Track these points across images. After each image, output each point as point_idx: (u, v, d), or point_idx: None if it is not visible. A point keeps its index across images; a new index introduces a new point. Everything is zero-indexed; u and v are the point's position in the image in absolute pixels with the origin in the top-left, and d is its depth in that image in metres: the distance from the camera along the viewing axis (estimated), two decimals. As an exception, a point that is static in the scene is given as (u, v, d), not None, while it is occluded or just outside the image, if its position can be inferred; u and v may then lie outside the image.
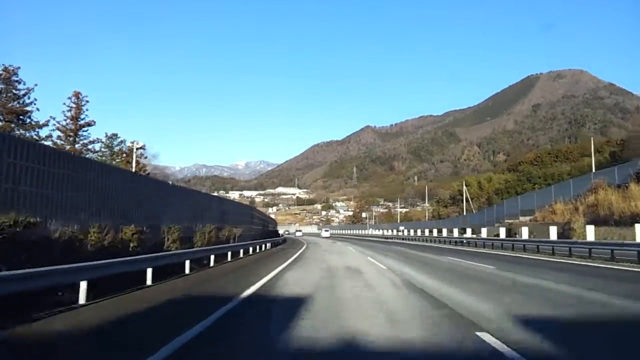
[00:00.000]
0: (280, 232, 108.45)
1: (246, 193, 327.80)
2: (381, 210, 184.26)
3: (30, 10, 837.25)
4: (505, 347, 5.57)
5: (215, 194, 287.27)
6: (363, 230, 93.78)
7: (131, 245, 14.35)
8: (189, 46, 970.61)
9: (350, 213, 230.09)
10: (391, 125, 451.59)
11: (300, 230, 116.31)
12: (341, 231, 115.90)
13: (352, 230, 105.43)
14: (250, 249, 30.65)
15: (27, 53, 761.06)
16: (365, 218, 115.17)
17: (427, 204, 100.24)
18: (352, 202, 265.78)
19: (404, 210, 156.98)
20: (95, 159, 33.48)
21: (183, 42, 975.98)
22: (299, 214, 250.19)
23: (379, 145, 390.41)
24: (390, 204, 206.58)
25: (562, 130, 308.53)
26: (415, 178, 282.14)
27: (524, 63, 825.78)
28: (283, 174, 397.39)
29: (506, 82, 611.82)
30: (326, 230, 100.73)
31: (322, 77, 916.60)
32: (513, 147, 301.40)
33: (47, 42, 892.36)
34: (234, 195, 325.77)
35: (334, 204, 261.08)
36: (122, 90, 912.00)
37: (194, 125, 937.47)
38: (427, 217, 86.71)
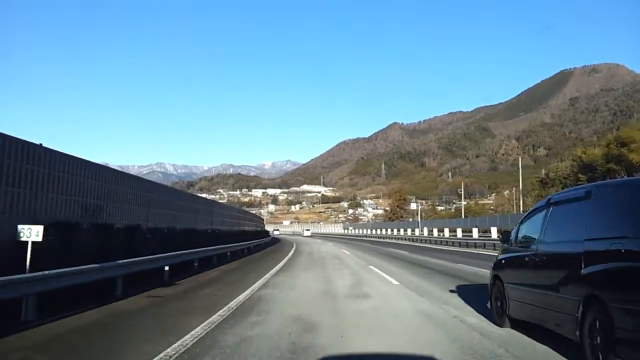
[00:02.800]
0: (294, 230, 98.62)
1: (270, 191, 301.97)
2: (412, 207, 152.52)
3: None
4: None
5: (237, 192, 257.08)
6: (407, 230, 61.10)
7: None
8: (217, 50, 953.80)
9: (380, 211, 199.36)
10: (419, 121, 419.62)
11: (277, 230, 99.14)
12: (374, 231, 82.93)
13: (390, 230, 71.29)
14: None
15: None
16: (411, 214, 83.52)
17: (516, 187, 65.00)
18: (380, 200, 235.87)
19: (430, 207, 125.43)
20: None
21: (209, 45, 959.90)
22: (324, 212, 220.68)
23: (407, 142, 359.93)
24: (423, 201, 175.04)
25: (607, 122, 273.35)
26: (449, 174, 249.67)
27: (556, 58, 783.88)
28: (308, 172, 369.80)
29: (538, 78, 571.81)
30: (307, 230, 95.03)
31: (348, 76, 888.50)
32: (554, 141, 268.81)
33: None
34: (257, 193, 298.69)
35: (361, 202, 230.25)
36: (151, 92, 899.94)
37: (222, 126, 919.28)
38: (520, 207, 54.48)
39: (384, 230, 75.76)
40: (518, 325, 6.58)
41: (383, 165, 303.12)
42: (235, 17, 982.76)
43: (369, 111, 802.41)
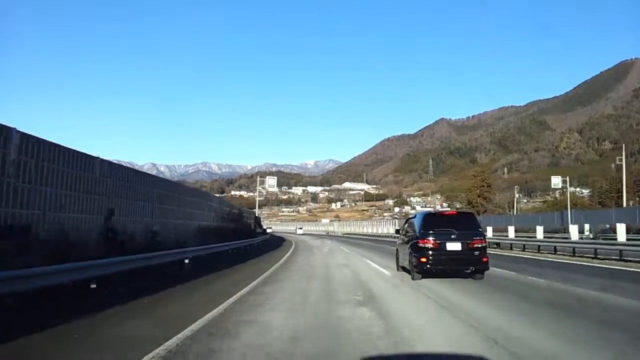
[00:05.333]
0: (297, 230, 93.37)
1: (310, 189, 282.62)
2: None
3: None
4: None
5: (277, 189, 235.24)
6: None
7: None
8: (263, 51, 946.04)
9: (430, 209, 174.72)
10: (468, 117, 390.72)
11: (270, 227, 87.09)
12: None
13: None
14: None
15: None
16: (499, 206, 60.37)
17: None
18: (429, 197, 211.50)
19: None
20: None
21: (254, 50, 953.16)
22: (367, 210, 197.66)
23: (455, 138, 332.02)
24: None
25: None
26: (505, 170, 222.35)
27: (614, 49, 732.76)
28: (350, 170, 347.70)
29: (595, 70, 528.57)
30: (300, 228, 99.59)
31: (391, 73, 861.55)
32: (620, 133, 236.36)
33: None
34: (297, 190, 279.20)
35: (408, 199, 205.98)
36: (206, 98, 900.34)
37: (265, 127, 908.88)
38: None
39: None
40: (404, 270, 13.45)
41: (431, 161, 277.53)
42: (278, 13, 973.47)
43: (414, 108, 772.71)
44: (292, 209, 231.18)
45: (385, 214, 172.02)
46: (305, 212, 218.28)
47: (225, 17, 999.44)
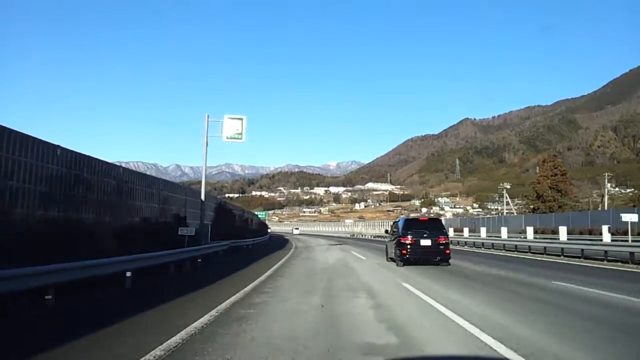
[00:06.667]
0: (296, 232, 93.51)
1: (333, 189, 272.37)
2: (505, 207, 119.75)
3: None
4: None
5: (299, 190, 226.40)
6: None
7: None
8: (288, 56, 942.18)
9: (460, 209, 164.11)
10: (493, 117, 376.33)
11: (269, 228, 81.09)
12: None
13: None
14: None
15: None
16: (584, 202, 48.82)
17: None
18: (458, 198, 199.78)
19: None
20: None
21: (279, 51, 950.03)
22: (392, 210, 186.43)
23: (481, 138, 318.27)
24: (518, 200, 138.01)
25: None
26: (537, 169, 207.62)
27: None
28: (374, 171, 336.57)
29: (625, 67, 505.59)
30: (296, 228, 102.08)
31: (414, 74, 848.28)
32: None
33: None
34: (319, 191, 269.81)
35: (436, 200, 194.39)
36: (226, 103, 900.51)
37: (288, 129, 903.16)
38: None
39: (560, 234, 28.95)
40: (392, 260, 17.35)
41: (457, 161, 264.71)
42: (302, 20, 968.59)
43: (437, 108, 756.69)
44: (313, 210, 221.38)
45: (412, 215, 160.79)
46: (327, 212, 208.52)
47: (251, 20, 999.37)
